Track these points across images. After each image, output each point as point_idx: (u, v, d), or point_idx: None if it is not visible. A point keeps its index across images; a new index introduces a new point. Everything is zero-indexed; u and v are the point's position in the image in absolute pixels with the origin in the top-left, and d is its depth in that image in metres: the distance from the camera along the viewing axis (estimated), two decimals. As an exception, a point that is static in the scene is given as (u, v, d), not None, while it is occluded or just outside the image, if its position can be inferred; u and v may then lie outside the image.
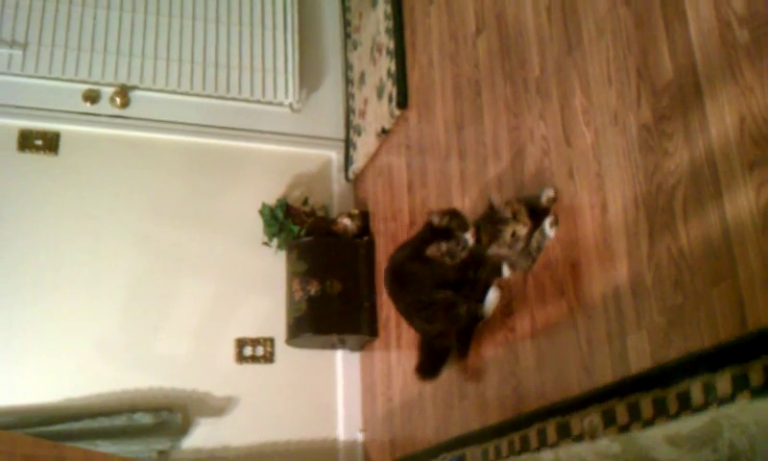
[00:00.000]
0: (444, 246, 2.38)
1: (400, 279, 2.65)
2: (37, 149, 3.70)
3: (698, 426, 0.66)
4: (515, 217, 2.20)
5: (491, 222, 2.23)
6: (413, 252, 2.56)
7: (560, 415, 2.08)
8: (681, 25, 1.76)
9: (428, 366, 2.73)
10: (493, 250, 2.26)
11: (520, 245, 2.26)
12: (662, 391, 1.71)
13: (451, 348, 2.66)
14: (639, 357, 1.83)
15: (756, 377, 1.44)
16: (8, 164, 3.63)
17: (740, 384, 1.47)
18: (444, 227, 2.41)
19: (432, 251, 2.40)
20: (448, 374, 2.77)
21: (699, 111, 1.69)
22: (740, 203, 1.56)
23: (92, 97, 3.82)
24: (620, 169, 1.94)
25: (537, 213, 2.23)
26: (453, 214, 2.42)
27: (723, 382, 1.54)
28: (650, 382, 1.76)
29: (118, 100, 3.83)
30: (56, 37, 3.75)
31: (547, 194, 2.21)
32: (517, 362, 2.34)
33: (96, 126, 3.80)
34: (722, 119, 1.63)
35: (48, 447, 1.52)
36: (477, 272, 2.42)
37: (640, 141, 1.87)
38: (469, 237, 2.31)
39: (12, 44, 3.68)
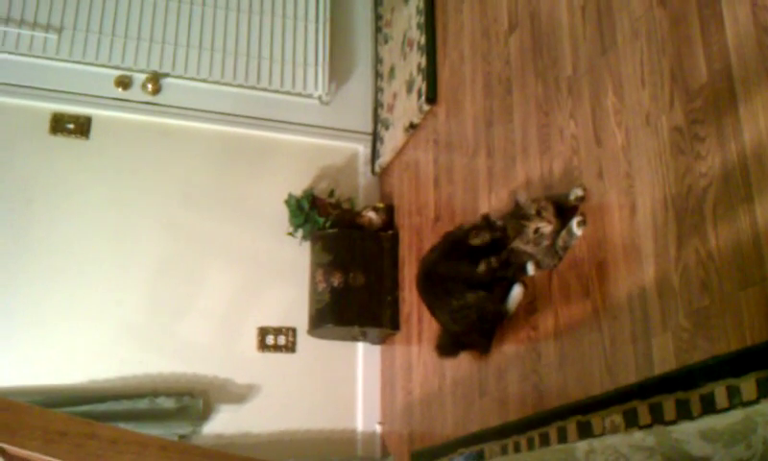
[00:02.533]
0: (494, 261, 2.39)
1: (433, 281, 2.65)
2: (69, 133, 3.76)
3: (732, 422, 0.67)
4: (539, 214, 2.20)
5: (515, 217, 2.24)
6: (444, 253, 2.57)
7: (581, 414, 2.08)
8: (717, 28, 1.76)
9: (448, 345, 2.72)
10: (519, 246, 2.27)
11: (546, 243, 2.26)
12: (685, 393, 1.71)
13: (475, 344, 2.67)
14: (664, 359, 1.83)
15: (781, 383, 1.45)
16: (39, 147, 3.68)
17: (765, 389, 1.47)
18: (490, 240, 2.42)
19: (482, 268, 2.41)
20: (470, 369, 2.79)
21: (733, 116, 1.69)
22: (772, 208, 1.56)
23: (124, 83, 3.86)
24: (651, 170, 1.94)
25: (565, 212, 2.23)
26: (495, 226, 2.42)
27: (748, 386, 1.54)
28: (673, 384, 1.77)
29: (150, 87, 3.87)
30: (90, 23, 3.81)
31: (576, 193, 2.22)
32: (539, 360, 2.35)
33: (127, 112, 3.85)
34: (756, 124, 1.62)
35: (80, 423, 1.54)
36: (506, 271, 2.43)
37: (672, 143, 1.87)
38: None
39: (48, 28, 3.73)
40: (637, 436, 0.68)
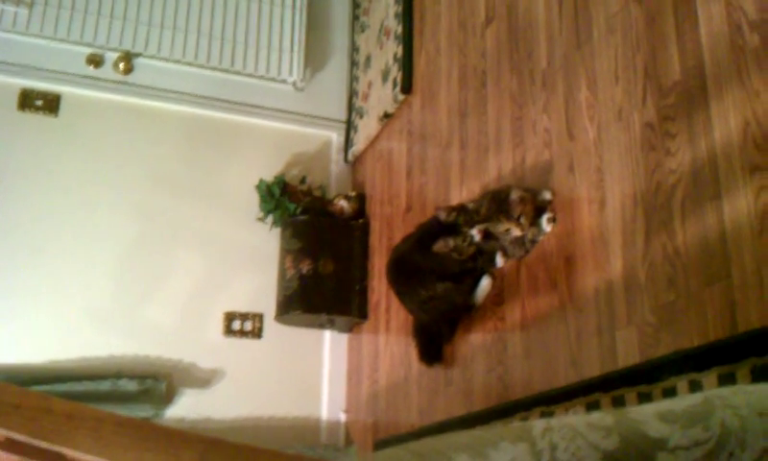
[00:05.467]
0: (450, 242, 2.39)
1: (404, 270, 2.65)
2: (37, 109, 3.69)
3: (690, 405, 0.67)
4: (518, 219, 2.20)
5: (495, 202, 2.24)
6: (416, 244, 2.57)
7: (544, 405, 2.10)
8: (691, 26, 1.77)
9: (431, 352, 2.73)
10: (488, 228, 2.27)
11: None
12: (648, 386, 1.73)
13: (443, 332, 2.68)
14: (628, 353, 1.84)
15: (742, 378, 1.46)
16: (7, 123, 3.62)
17: (727, 384, 1.49)
18: (451, 222, 2.41)
19: (439, 246, 2.41)
20: (436, 360, 2.79)
21: (704, 113, 1.70)
22: (739, 205, 1.58)
23: (96, 61, 3.81)
24: (621, 166, 1.95)
25: (538, 207, 2.24)
26: (461, 210, 2.42)
27: (709, 381, 1.56)
28: (636, 377, 1.78)
29: (122, 66, 3.82)
30: (63, -1, 3.74)
31: (544, 196, 2.23)
32: (505, 351, 2.36)
33: (98, 90, 3.79)
34: (726, 122, 1.64)
35: (36, 397, 1.52)
36: (475, 262, 2.43)
37: (643, 139, 1.88)
38: (476, 234, 2.31)
39: (19, 2, 3.66)
40: (595, 416, 0.68)
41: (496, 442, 0.68)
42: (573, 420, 0.68)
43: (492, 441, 0.68)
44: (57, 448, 1.51)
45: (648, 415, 0.67)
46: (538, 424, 0.69)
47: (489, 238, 2.33)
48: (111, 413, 1.54)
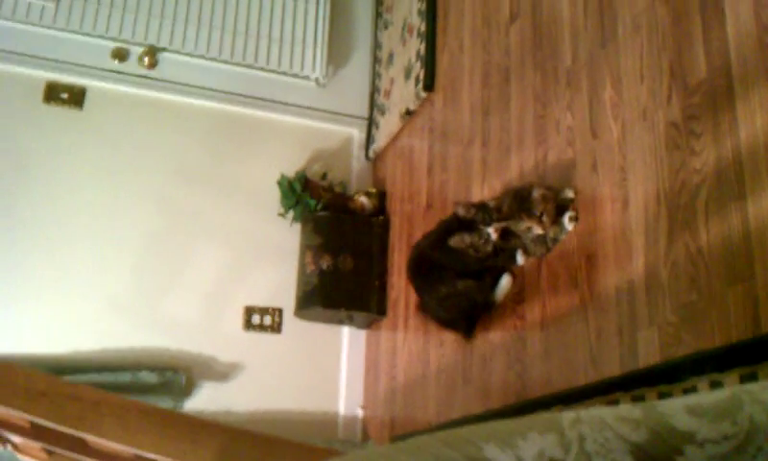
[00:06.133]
0: (467, 238, 2.39)
1: (423, 266, 2.65)
2: (63, 102, 3.73)
3: (719, 399, 0.67)
4: (540, 217, 2.20)
5: (517, 200, 2.24)
6: (437, 240, 2.57)
7: (563, 404, 2.09)
8: (718, 25, 1.76)
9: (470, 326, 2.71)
10: (509, 226, 2.27)
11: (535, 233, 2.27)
12: (668, 386, 1.72)
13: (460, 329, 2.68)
14: (648, 353, 1.84)
15: (765, 378, 1.45)
16: (32, 115, 3.66)
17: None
18: (470, 219, 2.41)
19: (455, 242, 2.41)
20: (454, 357, 2.80)
21: (729, 113, 1.69)
22: (764, 206, 1.57)
23: (121, 55, 3.84)
24: (645, 165, 1.94)
25: (560, 205, 2.24)
26: (480, 208, 2.42)
27: (731, 382, 1.55)
28: (657, 377, 1.77)
29: (146, 60, 3.85)
30: (88, -7, 3.78)
31: (567, 194, 2.23)
32: (525, 349, 2.36)
33: (122, 84, 3.82)
34: (752, 122, 1.63)
35: (64, 385, 1.54)
36: (496, 259, 2.43)
37: (667, 138, 1.88)
38: (493, 233, 2.32)
39: (46, -4, 3.71)
40: (624, 408, 0.69)
41: (525, 432, 0.68)
42: (602, 412, 0.68)
43: (521, 431, 0.69)
44: (82, 434, 1.53)
45: (676, 408, 0.67)
46: (567, 415, 0.69)
47: (507, 237, 2.33)
48: (136, 401, 1.55)
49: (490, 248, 2.38)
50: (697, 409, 0.66)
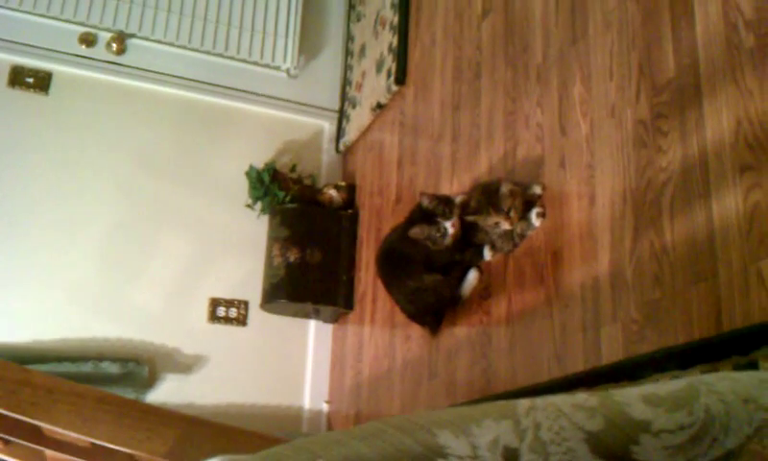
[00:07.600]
0: (425, 230, 2.38)
1: (392, 260, 2.64)
2: (28, 87, 3.66)
3: (675, 389, 0.67)
4: (507, 213, 2.20)
5: (485, 194, 2.23)
6: (404, 232, 2.56)
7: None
8: (687, 25, 1.77)
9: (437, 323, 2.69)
10: (476, 221, 2.27)
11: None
12: (631, 383, 1.72)
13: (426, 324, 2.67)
14: (612, 349, 1.84)
15: (725, 376, 1.46)
16: (-5, 98, 3.59)
17: (710, 382, 1.49)
18: (431, 211, 2.40)
19: (414, 232, 2.41)
20: (420, 352, 2.79)
21: (696, 111, 1.70)
22: (728, 205, 1.58)
23: (88, 40, 3.78)
24: (612, 162, 1.95)
25: (527, 201, 2.24)
26: (443, 201, 2.41)
27: (693, 379, 1.55)
28: (620, 374, 1.78)
29: (114, 46, 3.79)
30: (57, -24, 3.71)
31: (534, 190, 2.23)
32: (490, 345, 2.35)
33: (89, 70, 3.76)
34: (719, 121, 1.64)
35: (16, 370, 1.50)
36: (463, 254, 2.43)
37: (635, 136, 1.88)
38: (450, 227, 2.32)
39: (12, -22, 3.63)
40: (579, 396, 0.68)
41: (480, 419, 0.67)
42: (558, 400, 0.68)
43: (476, 417, 0.67)
44: (35, 421, 1.49)
45: (632, 397, 0.66)
46: (522, 403, 0.68)
47: (473, 232, 2.33)
48: (92, 388, 1.52)
49: (448, 242, 2.37)
50: (653, 399, 0.66)
